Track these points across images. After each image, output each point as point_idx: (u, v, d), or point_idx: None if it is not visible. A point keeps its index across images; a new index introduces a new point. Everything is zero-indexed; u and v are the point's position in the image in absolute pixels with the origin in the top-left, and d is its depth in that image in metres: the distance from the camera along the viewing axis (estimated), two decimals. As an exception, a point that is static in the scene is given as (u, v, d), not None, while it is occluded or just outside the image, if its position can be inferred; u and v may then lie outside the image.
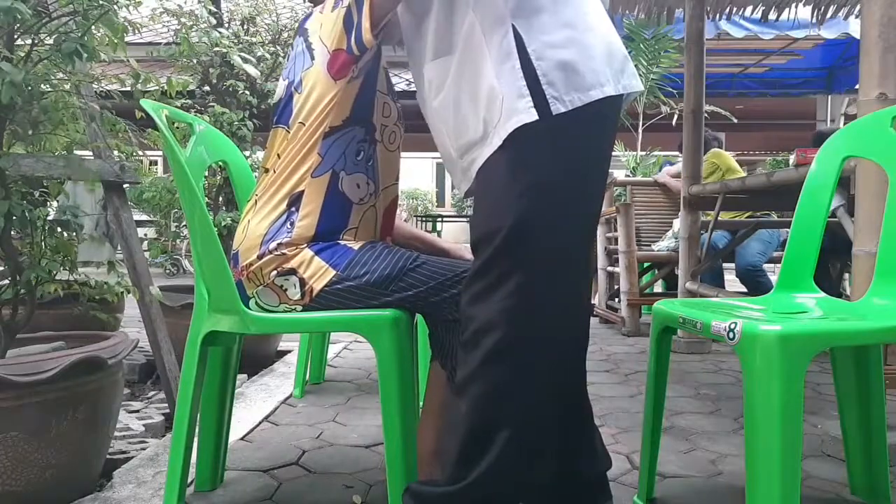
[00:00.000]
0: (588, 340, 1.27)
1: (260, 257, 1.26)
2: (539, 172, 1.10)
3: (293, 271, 1.25)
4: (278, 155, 1.31)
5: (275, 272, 1.25)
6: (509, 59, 1.10)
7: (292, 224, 1.26)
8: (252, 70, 2.63)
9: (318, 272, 1.24)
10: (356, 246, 1.28)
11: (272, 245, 1.25)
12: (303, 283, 1.24)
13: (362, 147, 1.30)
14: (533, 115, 1.08)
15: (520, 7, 1.11)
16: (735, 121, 8.33)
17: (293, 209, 1.27)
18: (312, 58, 1.28)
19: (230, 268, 1.30)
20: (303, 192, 1.27)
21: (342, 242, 1.29)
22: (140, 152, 2.18)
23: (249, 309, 1.30)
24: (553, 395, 1.15)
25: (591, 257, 4.72)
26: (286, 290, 1.26)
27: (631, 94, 1.19)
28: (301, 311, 1.27)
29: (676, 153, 5.57)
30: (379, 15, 1.20)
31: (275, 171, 1.30)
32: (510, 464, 1.10)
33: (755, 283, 3.57)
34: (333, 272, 1.24)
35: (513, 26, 1.11)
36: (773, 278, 1.68)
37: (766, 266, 3.78)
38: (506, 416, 1.10)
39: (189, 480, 1.47)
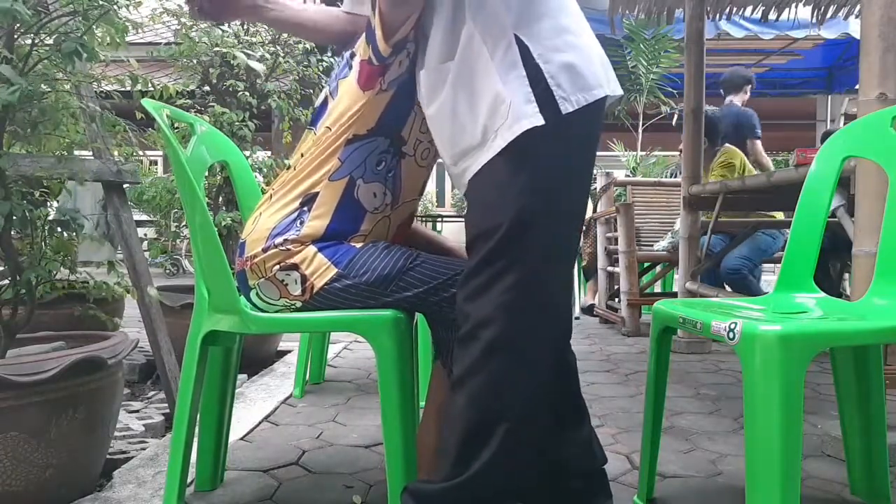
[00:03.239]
0: (571, 334, 1.30)
1: (265, 250, 1.26)
2: (540, 172, 1.13)
3: (295, 267, 1.25)
4: (302, 154, 1.32)
5: (277, 266, 1.26)
6: (515, 68, 1.13)
7: (302, 223, 1.27)
8: (256, 65, 2.63)
9: (320, 269, 1.25)
10: (359, 245, 1.28)
11: (278, 240, 1.26)
12: (304, 279, 1.25)
13: (384, 158, 1.31)
14: (540, 120, 1.11)
15: (521, 18, 1.15)
16: (735, 121, 8.31)
17: (305, 208, 1.28)
18: (350, 67, 1.30)
19: (236, 257, 1.31)
20: (318, 193, 1.28)
21: (347, 242, 1.29)
22: (140, 152, 2.18)
23: (250, 299, 1.31)
24: (550, 389, 1.17)
25: (593, 256, 4.73)
26: (287, 284, 1.26)
27: (612, 97, 1.24)
28: (300, 306, 1.28)
29: (677, 153, 5.58)
30: (390, 25, 1.20)
31: (294, 169, 1.32)
32: (510, 457, 1.11)
33: (739, 288, 3.49)
34: (335, 270, 1.24)
35: (515, 36, 1.14)
36: (773, 278, 1.68)
37: (766, 266, 3.75)
38: (505, 408, 1.11)
39: (189, 480, 1.47)
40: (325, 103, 1.33)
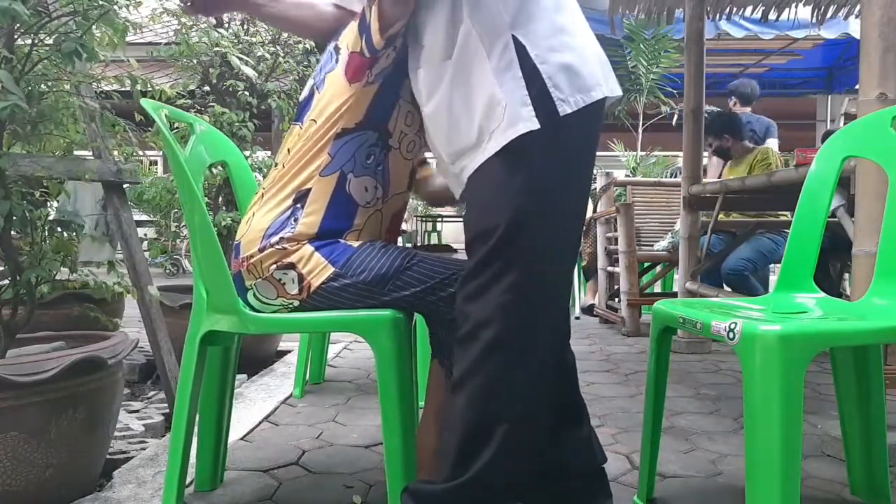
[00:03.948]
0: (570, 335, 1.30)
1: (261, 250, 1.26)
2: (536, 173, 1.13)
3: (292, 266, 1.25)
4: (288, 150, 1.32)
5: (274, 266, 1.26)
6: (510, 69, 1.13)
7: (296, 220, 1.27)
8: (249, 71, 2.63)
9: (317, 268, 1.25)
10: (356, 244, 1.28)
11: (274, 239, 1.26)
12: (301, 278, 1.25)
13: (373, 151, 1.31)
14: (535, 124, 1.11)
15: (518, 17, 1.14)
16: (735, 121, 8.31)
17: (298, 206, 1.28)
18: (336, 61, 1.30)
19: (232, 259, 1.31)
20: (310, 189, 1.28)
21: (343, 241, 1.29)
22: (140, 152, 2.18)
23: (247, 300, 1.31)
24: (550, 389, 1.17)
25: (593, 257, 4.73)
26: (284, 284, 1.26)
27: (613, 98, 1.23)
28: (298, 306, 1.27)
29: (677, 153, 5.58)
30: (388, 20, 1.20)
31: (283, 167, 1.31)
32: (509, 457, 1.11)
33: (739, 289, 3.46)
34: (332, 269, 1.24)
35: (513, 37, 1.13)
36: (773, 279, 1.68)
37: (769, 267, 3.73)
38: (504, 408, 1.11)
39: (189, 480, 1.47)
40: (310, 97, 1.33)
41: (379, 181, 1.32)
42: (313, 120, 1.29)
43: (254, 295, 1.29)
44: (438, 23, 1.20)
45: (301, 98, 1.38)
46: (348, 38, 1.29)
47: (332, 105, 1.28)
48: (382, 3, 1.18)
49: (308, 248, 1.26)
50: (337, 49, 1.31)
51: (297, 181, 1.29)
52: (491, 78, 1.13)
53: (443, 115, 1.21)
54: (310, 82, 1.37)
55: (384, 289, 1.24)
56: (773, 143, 4.43)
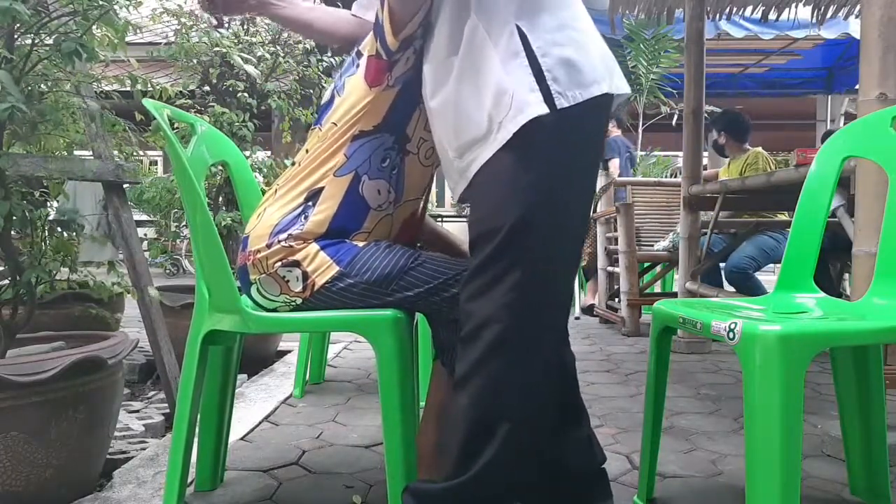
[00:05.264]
0: (568, 335, 1.31)
1: (268, 246, 1.27)
2: (542, 170, 1.12)
3: (297, 264, 1.25)
4: (306, 150, 1.33)
5: (279, 263, 1.26)
6: (517, 57, 1.12)
7: (306, 218, 1.27)
8: (252, 70, 2.63)
9: (322, 267, 1.25)
10: (361, 243, 1.28)
11: (282, 236, 1.26)
12: (305, 276, 1.25)
13: (389, 154, 1.31)
14: (544, 108, 1.10)
15: (522, 9, 1.14)
16: (735, 121, 8.31)
17: (310, 203, 1.28)
18: (357, 66, 1.31)
19: (239, 251, 1.32)
20: (323, 188, 1.28)
21: (349, 241, 1.29)
22: (140, 152, 2.18)
23: (250, 295, 1.31)
24: (551, 389, 1.17)
25: (593, 257, 4.74)
26: (288, 281, 1.26)
27: (620, 97, 1.22)
28: (301, 303, 1.28)
29: (677, 153, 5.60)
30: (399, 19, 1.20)
31: (299, 165, 1.32)
32: (511, 457, 1.11)
33: (742, 287, 3.48)
34: (336, 269, 1.24)
35: (517, 26, 1.13)
36: (773, 278, 1.69)
37: (767, 266, 3.74)
38: (507, 407, 1.11)
39: (189, 480, 1.47)
40: (330, 101, 1.34)
41: (392, 185, 1.32)
42: (333, 123, 1.29)
43: (257, 290, 1.29)
44: (445, 19, 1.20)
45: (322, 102, 1.39)
46: (368, 42, 1.29)
47: (351, 108, 1.28)
48: (390, 2, 1.18)
49: (314, 247, 1.26)
50: (359, 54, 1.31)
51: (310, 179, 1.29)
52: (498, 67, 1.13)
53: (450, 108, 1.20)
54: (330, 87, 1.38)
55: (388, 289, 1.24)
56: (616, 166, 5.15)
